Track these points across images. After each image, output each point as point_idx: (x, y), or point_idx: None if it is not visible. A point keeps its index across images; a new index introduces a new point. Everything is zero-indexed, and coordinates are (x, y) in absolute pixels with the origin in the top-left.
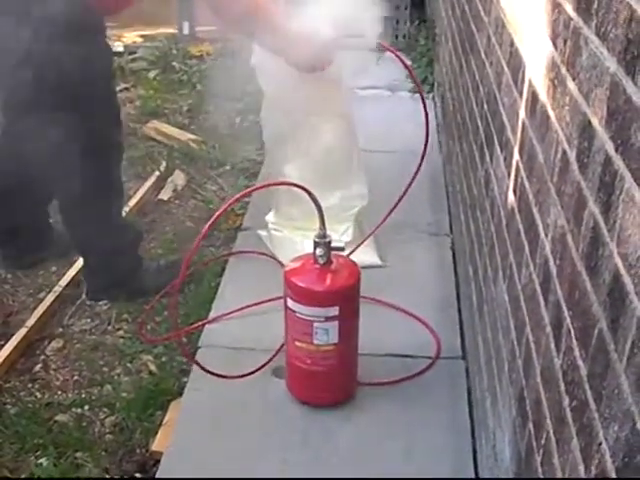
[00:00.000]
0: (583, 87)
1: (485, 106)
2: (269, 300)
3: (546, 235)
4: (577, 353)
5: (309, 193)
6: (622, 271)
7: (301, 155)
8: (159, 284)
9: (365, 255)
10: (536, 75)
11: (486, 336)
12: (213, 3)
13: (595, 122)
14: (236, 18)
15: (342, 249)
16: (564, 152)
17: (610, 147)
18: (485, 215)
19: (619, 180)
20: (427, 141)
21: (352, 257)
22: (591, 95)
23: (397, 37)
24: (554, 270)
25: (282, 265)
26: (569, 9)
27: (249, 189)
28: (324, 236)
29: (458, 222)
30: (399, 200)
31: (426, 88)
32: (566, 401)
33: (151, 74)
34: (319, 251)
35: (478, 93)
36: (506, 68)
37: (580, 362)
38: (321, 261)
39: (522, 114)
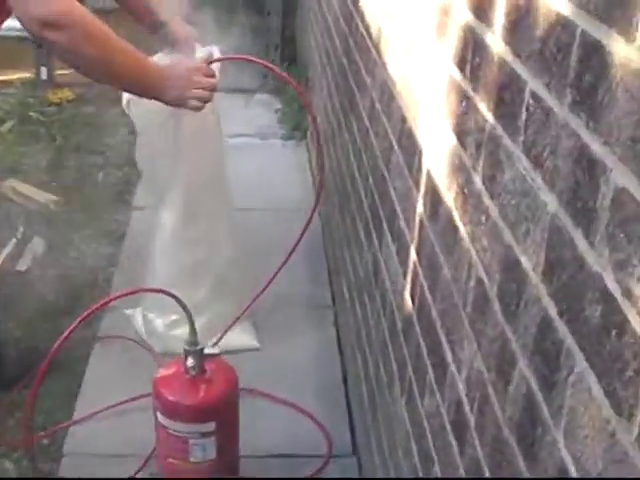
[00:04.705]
0: (507, 213)
1: (370, 180)
2: (139, 397)
3: (458, 371)
4: None
5: (177, 300)
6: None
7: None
8: (18, 374)
9: (241, 337)
10: (437, 169)
11: (380, 436)
12: (64, 55)
13: (527, 266)
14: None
15: (217, 355)
16: (480, 281)
17: (552, 309)
18: (375, 304)
19: (566, 357)
20: (317, 201)
21: (227, 340)
22: (520, 228)
23: (266, 77)
24: (472, 420)
25: (152, 352)
26: (482, 107)
27: (110, 297)
28: (195, 343)
29: (342, 296)
30: (277, 272)
31: (298, 135)
32: None
33: (7, 125)
34: (190, 362)
35: (361, 161)
36: (396, 146)
37: None
38: (193, 372)
39: (420, 209)
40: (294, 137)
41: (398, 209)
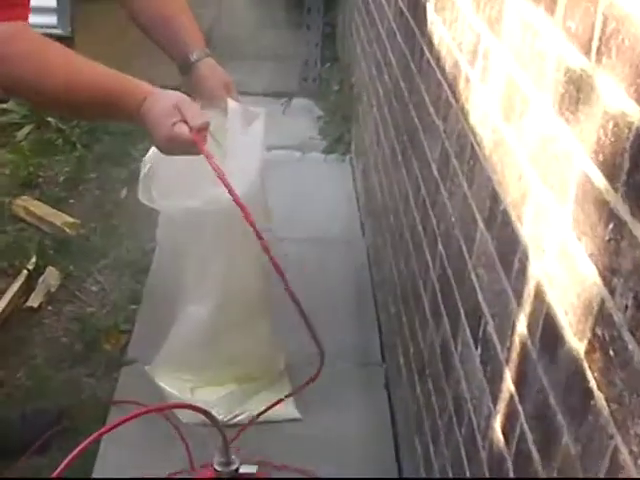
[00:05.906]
0: None
1: (441, 247)
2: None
3: None
4: None
5: (210, 418)
6: None
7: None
8: (25, 441)
9: (280, 406)
10: (555, 294)
11: None
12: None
13: None
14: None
15: (253, 475)
16: None
17: None
18: (445, 403)
19: None
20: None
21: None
22: None
23: (306, 80)
24: None
25: (175, 422)
26: None
27: (118, 422)
28: (229, 463)
29: (394, 357)
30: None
31: (341, 148)
32: None
33: (23, 131)
34: None
35: (427, 216)
36: (483, 227)
37: None
38: None
39: (521, 329)
40: (336, 150)
41: (485, 308)
